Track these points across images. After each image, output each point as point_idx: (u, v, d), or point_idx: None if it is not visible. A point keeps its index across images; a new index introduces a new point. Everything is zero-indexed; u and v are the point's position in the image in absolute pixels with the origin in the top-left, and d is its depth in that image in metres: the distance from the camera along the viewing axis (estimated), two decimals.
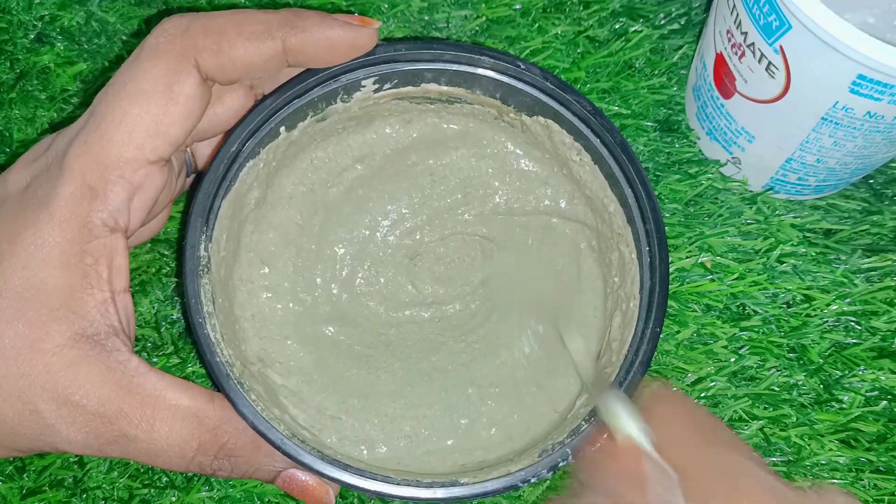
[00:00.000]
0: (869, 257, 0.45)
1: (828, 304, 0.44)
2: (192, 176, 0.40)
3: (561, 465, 0.33)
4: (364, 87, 0.37)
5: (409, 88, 0.38)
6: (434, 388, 0.39)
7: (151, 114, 0.32)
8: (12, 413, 0.31)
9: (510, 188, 0.41)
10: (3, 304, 0.31)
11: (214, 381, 0.33)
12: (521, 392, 0.38)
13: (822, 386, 0.42)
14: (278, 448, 0.32)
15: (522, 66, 0.37)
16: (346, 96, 0.38)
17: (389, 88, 0.38)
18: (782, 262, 0.44)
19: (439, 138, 0.41)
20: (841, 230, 0.45)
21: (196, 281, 0.34)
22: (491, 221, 0.41)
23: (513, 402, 0.38)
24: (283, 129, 0.37)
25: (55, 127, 0.46)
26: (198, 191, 0.35)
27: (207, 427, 0.32)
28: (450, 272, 0.41)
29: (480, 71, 0.38)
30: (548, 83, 0.37)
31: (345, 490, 0.38)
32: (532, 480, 0.33)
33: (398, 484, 0.33)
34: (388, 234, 0.41)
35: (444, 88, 0.38)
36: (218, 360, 0.33)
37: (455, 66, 0.37)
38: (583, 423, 0.34)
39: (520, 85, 0.38)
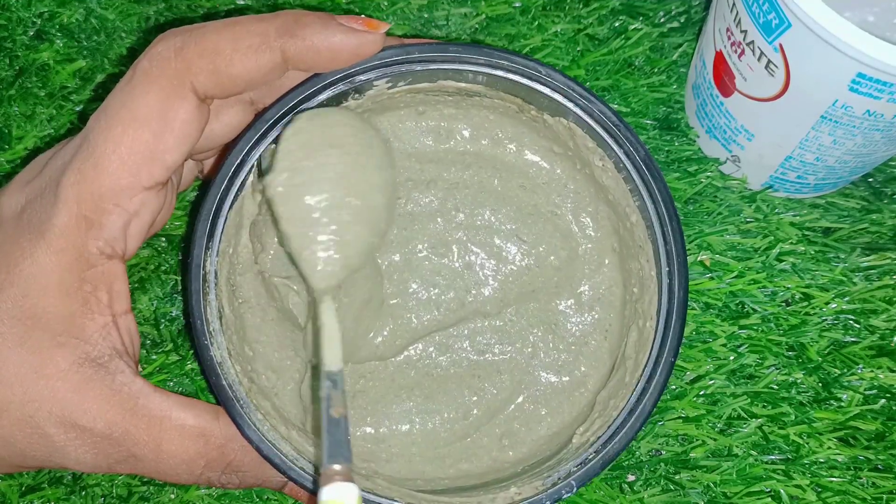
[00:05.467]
0: (868, 256, 0.45)
1: (827, 303, 0.44)
2: (200, 172, 0.40)
3: (565, 496, 0.33)
4: (377, 86, 0.36)
5: (425, 84, 0.37)
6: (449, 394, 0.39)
7: (145, 141, 0.31)
8: (21, 436, 0.31)
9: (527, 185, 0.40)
10: (5, 332, 0.31)
11: (220, 403, 0.33)
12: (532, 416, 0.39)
13: (820, 384, 0.42)
14: (283, 472, 0.32)
15: (543, 72, 0.36)
16: (357, 95, 0.36)
17: (404, 86, 0.37)
18: (781, 261, 0.44)
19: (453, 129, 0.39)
20: (840, 228, 0.45)
21: (201, 300, 0.33)
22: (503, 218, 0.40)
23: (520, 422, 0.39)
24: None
25: (54, 141, 0.46)
26: (202, 205, 0.34)
27: (214, 445, 0.33)
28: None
29: (500, 73, 0.36)
30: (572, 91, 0.36)
31: None
32: None
33: None
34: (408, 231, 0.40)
35: (462, 85, 0.37)
36: (223, 383, 0.33)
37: (473, 68, 0.36)
38: (592, 453, 0.34)
39: (543, 89, 0.36)
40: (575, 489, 0.33)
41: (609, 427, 0.34)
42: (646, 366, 0.35)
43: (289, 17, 0.32)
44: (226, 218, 0.35)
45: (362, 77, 0.35)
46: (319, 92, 0.35)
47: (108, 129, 0.31)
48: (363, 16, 0.35)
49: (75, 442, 0.31)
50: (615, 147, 0.36)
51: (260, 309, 0.37)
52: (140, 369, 0.41)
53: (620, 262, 0.39)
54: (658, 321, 0.35)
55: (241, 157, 0.35)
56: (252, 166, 0.35)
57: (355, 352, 0.38)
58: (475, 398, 0.39)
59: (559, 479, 0.33)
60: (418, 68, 0.36)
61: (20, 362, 0.31)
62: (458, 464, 0.38)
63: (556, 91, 0.36)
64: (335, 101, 0.36)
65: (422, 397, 0.38)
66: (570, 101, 0.36)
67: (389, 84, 0.36)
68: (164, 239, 0.44)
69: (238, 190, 0.35)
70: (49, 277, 0.31)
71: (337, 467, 0.27)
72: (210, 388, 0.33)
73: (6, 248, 0.32)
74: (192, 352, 0.42)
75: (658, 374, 0.34)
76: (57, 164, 0.33)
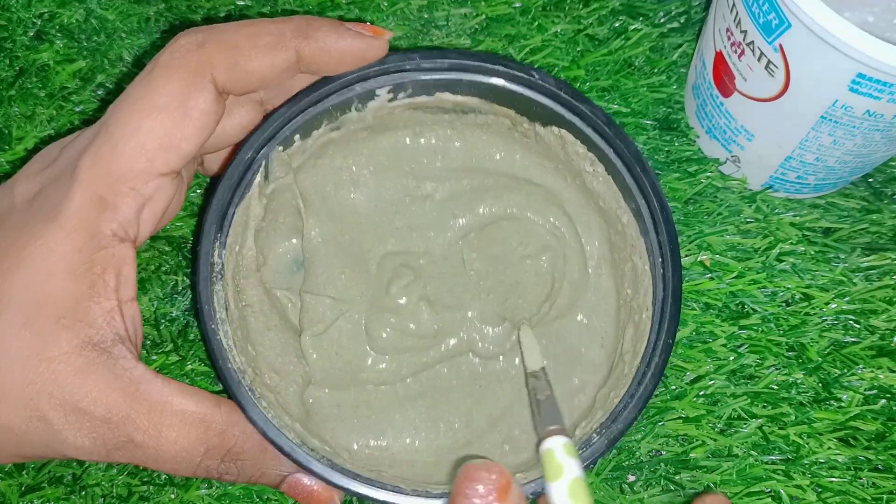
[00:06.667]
0: (868, 256, 0.45)
1: (827, 303, 0.44)
2: (199, 165, 0.40)
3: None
4: (379, 96, 0.38)
5: (424, 98, 0.39)
6: (451, 400, 0.39)
7: (165, 127, 0.32)
8: (19, 421, 0.31)
9: (519, 200, 0.41)
10: (9, 314, 0.31)
11: (226, 387, 0.33)
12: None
13: (820, 384, 0.42)
14: (287, 455, 0.32)
15: (537, 76, 0.37)
16: (360, 105, 0.38)
17: (404, 98, 0.38)
18: (781, 261, 0.44)
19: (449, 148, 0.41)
20: (840, 229, 0.45)
21: (209, 287, 0.34)
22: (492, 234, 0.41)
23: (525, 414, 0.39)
24: (297, 136, 0.37)
25: (55, 136, 0.46)
26: (212, 198, 0.35)
27: (214, 431, 0.33)
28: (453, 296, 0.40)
29: (494, 80, 0.38)
30: (562, 93, 0.37)
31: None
32: (541, 491, 0.33)
33: (409, 494, 0.33)
34: (395, 245, 0.40)
35: (459, 98, 0.39)
36: (230, 366, 0.33)
37: (469, 76, 0.38)
38: (594, 435, 0.34)
39: (534, 95, 0.37)
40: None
41: (611, 413, 0.34)
42: (644, 352, 0.35)
43: (302, 21, 0.35)
44: (233, 215, 0.35)
45: (366, 84, 0.37)
46: (326, 96, 0.37)
47: (128, 115, 0.32)
48: (369, 23, 0.37)
49: (74, 426, 0.31)
50: (605, 147, 0.37)
51: (263, 315, 0.37)
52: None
53: (613, 271, 0.40)
54: (654, 310, 0.36)
55: (250, 154, 0.36)
56: (260, 166, 0.36)
57: (357, 374, 0.38)
58: (477, 406, 0.39)
59: None
60: (418, 77, 0.37)
61: (22, 345, 0.31)
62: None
63: (545, 95, 0.37)
64: (340, 108, 0.37)
65: (425, 407, 0.38)
66: (560, 104, 0.37)
67: (391, 95, 0.38)
68: (164, 240, 0.44)
69: (245, 189, 0.36)
70: (59, 258, 0.31)
71: (553, 427, 0.33)
72: (217, 372, 0.33)
73: (17, 232, 0.32)
74: (192, 352, 0.42)
75: (656, 357, 0.34)
76: (73, 151, 0.34)
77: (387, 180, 0.40)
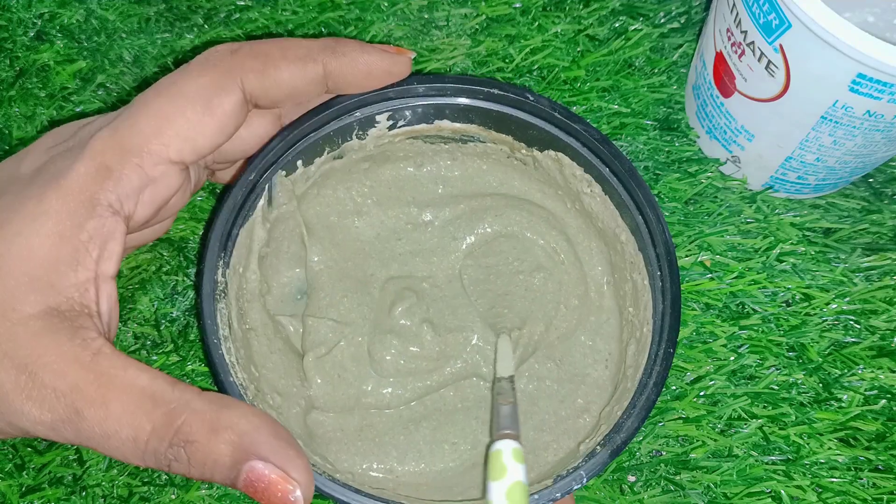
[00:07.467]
0: (868, 256, 0.45)
1: (827, 303, 0.44)
2: (209, 175, 0.40)
3: (575, 488, 0.33)
4: (378, 123, 0.38)
5: (423, 126, 0.39)
6: (458, 421, 0.39)
7: (186, 118, 0.33)
8: None
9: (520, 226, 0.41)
10: None
11: None
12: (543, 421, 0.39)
13: (821, 385, 0.42)
14: None
15: (532, 98, 0.38)
16: (361, 132, 0.38)
17: (403, 126, 0.39)
18: (782, 261, 0.44)
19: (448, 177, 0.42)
20: (840, 229, 0.45)
21: (212, 303, 0.34)
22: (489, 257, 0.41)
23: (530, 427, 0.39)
24: (300, 162, 0.38)
25: (54, 124, 0.46)
26: (217, 217, 0.35)
27: (163, 408, 0.30)
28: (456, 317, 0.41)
29: (491, 105, 0.38)
30: (556, 114, 0.38)
31: None
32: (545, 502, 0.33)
33: None
34: (396, 272, 0.41)
35: (458, 126, 0.39)
36: (232, 380, 0.33)
37: (465, 100, 0.38)
38: (598, 447, 0.34)
39: (530, 118, 0.38)
40: (585, 479, 0.33)
41: (614, 425, 0.34)
42: (646, 364, 0.35)
43: (330, 39, 0.36)
44: (237, 236, 0.36)
45: (365, 110, 0.38)
46: (327, 122, 0.37)
47: (154, 99, 0.33)
48: (392, 45, 0.39)
49: (23, 392, 0.30)
50: (600, 166, 0.38)
51: (266, 338, 0.37)
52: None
53: (615, 291, 0.40)
54: (654, 322, 0.36)
55: (253, 176, 0.36)
56: (264, 190, 0.37)
57: (360, 397, 0.38)
58: (483, 428, 0.39)
59: (568, 472, 0.33)
60: (416, 103, 0.38)
61: None
62: (466, 492, 0.37)
63: (541, 117, 0.38)
64: (341, 134, 0.38)
65: (429, 429, 0.38)
66: (555, 125, 0.38)
67: (391, 122, 0.38)
68: (165, 243, 0.44)
69: (249, 212, 0.36)
70: (49, 217, 0.31)
71: (507, 431, 0.34)
72: (219, 386, 0.33)
73: (17, 193, 0.32)
74: (192, 352, 0.42)
75: (657, 367, 0.35)
76: (91, 128, 0.34)
77: (389, 209, 0.41)
